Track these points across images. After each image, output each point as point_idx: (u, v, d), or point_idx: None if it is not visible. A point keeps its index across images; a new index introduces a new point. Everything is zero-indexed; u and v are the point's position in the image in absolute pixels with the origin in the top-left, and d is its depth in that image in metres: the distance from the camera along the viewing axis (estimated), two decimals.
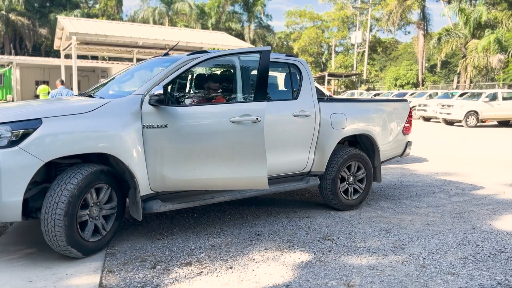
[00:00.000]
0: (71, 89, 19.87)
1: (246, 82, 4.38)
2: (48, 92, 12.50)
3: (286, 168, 4.69)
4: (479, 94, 19.52)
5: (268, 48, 4.04)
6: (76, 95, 5.15)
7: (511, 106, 18.78)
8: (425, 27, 40.40)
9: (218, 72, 5.22)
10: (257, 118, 3.84)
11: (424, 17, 40.69)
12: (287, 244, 3.92)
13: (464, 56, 31.40)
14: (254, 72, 4.36)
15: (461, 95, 20.94)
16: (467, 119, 18.54)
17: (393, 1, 40.28)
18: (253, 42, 46.01)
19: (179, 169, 3.78)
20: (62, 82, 10.45)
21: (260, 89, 3.96)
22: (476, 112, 18.53)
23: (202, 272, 3.29)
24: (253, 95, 4.08)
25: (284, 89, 5.16)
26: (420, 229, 4.44)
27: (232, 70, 4.64)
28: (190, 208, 5.00)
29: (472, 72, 29.68)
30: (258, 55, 4.03)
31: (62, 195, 3.23)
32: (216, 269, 3.34)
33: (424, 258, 3.62)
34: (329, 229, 4.39)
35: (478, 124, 18.78)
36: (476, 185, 6.68)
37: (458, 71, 33.14)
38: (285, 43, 56.50)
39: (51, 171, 3.58)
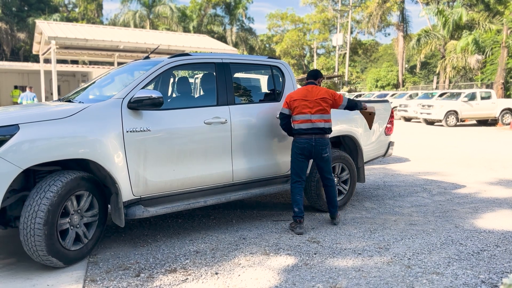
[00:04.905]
0: (51, 94, 19.96)
1: (222, 85, 4.37)
2: (19, 95, 16.44)
3: (271, 170, 4.67)
4: (458, 94, 19.87)
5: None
6: (56, 100, 5.05)
7: (489, 106, 19.21)
8: (405, 29, 40.96)
9: (198, 76, 5.24)
10: (225, 120, 4.25)
11: (404, 19, 41.25)
12: (273, 248, 3.90)
13: (443, 56, 31.92)
14: (233, 75, 4.46)
15: (440, 95, 21.28)
16: (447, 119, 18.86)
17: (373, 4, 40.74)
18: (236, 45, 45.93)
19: (161, 171, 3.81)
20: (30, 88, 15.23)
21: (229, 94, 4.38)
22: (455, 112, 18.87)
23: (187, 279, 3.24)
24: (226, 99, 4.34)
25: (267, 91, 5.15)
26: (404, 229, 4.47)
27: (209, 74, 4.67)
28: (174, 213, 4.94)
29: (451, 72, 30.16)
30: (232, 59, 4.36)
31: (41, 204, 3.15)
32: (201, 276, 3.29)
33: (409, 258, 3.63)
34: (315, 231, 4.38)
35: (457, 123, 19.13)
36: (458, 184, 6.77)
37: (437, 72, 33.65)
38: (267, 45, 56.58)
39: (30, 179, 3.49)
